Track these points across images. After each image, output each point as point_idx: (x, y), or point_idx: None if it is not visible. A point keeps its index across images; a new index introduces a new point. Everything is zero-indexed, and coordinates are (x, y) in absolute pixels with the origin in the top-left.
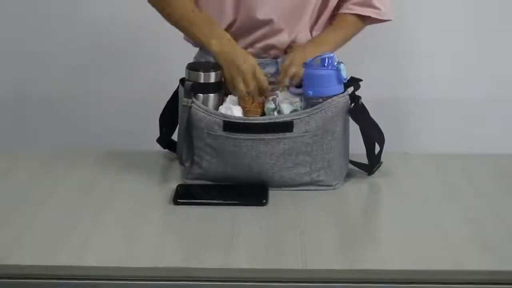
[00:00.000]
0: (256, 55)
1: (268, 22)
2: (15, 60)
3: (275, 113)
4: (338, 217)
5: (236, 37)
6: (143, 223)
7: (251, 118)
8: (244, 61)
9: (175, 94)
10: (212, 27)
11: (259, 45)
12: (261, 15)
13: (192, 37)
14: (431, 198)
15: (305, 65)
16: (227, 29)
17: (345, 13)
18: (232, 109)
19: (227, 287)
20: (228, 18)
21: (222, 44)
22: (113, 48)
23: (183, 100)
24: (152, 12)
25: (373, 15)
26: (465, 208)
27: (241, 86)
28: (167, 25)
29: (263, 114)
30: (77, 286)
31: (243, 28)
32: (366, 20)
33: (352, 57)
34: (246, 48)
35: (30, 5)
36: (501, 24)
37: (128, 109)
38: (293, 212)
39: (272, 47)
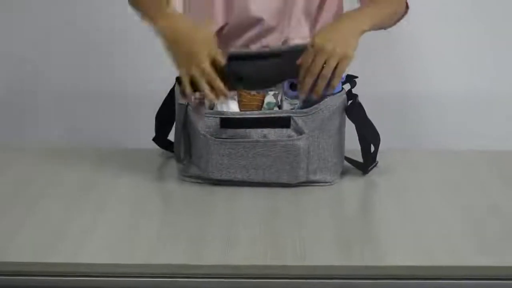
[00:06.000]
0: None
1: (259, 21)
2: (12, 57)
3: (276, 108)
4: (336, 213)
5: (229, 39)
6: (141, 221)
7: (247, 112)
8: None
9: (172, 92)
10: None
11: (254, 46)
12: (252, 13)
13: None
14: (430, 194)
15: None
16: (219, 32)
17: None
18: (228, 103)
19: (225, 284)
20: (219, 20)
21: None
22: (110, 44)
23: (180, 99)
24: None
25: None
26: (464, 205)
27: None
28: None
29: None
30: (74, 284)
31: (235, 30)
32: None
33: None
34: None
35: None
36: (503, 18)
37: (125, 107)
38: (291, 207)
39: (267, 47)
